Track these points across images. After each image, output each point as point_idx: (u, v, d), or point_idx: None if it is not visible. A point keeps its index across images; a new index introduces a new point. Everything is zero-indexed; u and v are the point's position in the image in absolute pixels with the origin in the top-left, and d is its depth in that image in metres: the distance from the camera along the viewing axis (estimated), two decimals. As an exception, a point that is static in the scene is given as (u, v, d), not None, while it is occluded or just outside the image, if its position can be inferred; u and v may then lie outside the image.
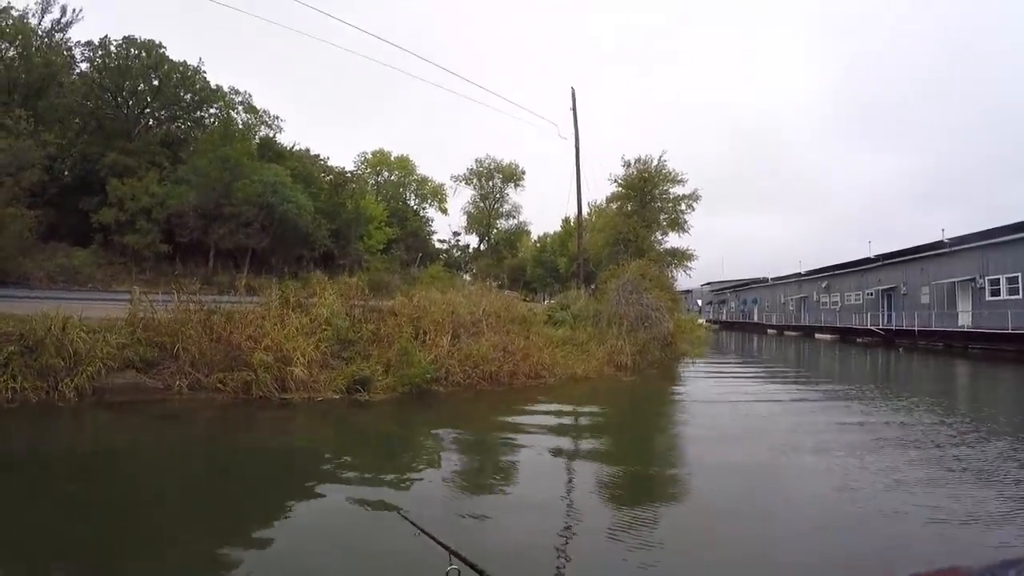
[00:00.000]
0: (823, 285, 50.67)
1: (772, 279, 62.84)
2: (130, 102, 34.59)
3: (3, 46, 30.94)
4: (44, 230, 28.66)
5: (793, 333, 50.55)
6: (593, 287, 24.92)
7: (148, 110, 35.26)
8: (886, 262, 41.28)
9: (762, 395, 15.63)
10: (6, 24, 30.65)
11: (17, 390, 10.19)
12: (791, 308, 56.66)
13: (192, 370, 11.84)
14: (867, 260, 43.91)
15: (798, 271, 56.42)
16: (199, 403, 11.22)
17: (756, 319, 63.35)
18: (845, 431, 10.57)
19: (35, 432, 9.40)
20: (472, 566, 1.70)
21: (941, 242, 34.69)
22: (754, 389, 16.95)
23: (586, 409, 12.96)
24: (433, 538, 1.95)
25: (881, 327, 37.91)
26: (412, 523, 2.28)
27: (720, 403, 13.78)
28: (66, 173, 33.24)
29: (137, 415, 10.51)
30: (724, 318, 73.12)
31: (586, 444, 10.22)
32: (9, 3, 31.03)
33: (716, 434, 10.45)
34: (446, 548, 1.81)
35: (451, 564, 1.71)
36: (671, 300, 23.24)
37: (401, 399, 12.44)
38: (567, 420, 11.91)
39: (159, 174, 30.99)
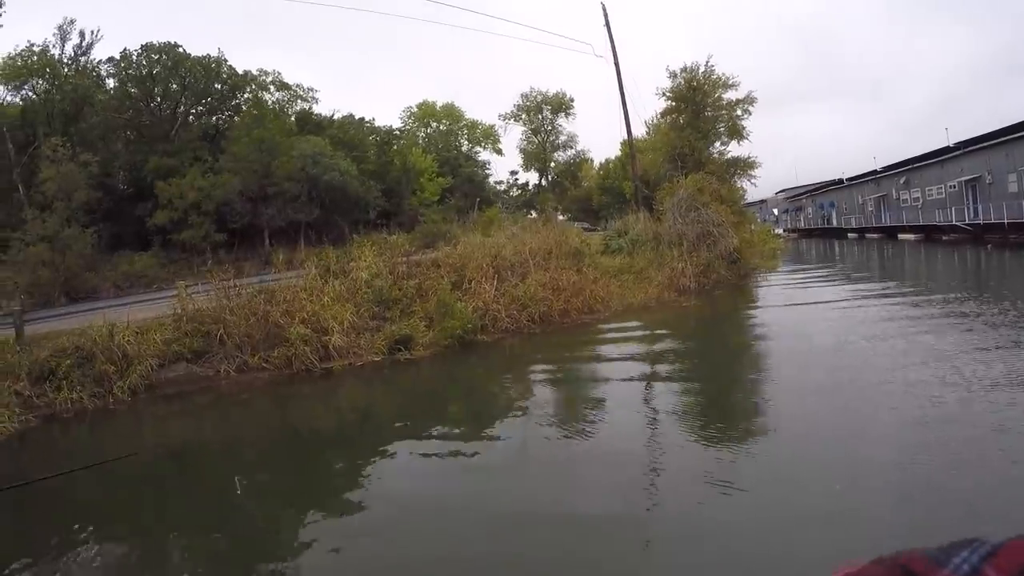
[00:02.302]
0: (901, 181, 46.24)
1: (847, 180, 58.30)
2: (163, 105, 35.00)
3: (35, 82, 32.00)
4: (108, 242, 29.60)
5: (874, 235, 46.93)
6: (654, 209, 23.30)
7: (181, 109, 35.60)
8: (967, 150, 36.97)
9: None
10: (31, 60, 31.59)
11: (74, 400, 10.24)
12: (870, 209, 52.37)
13: (238, 353, 11.71)
14: (946, 149, 39.46)
15: (874, 168, 52.00)
16: (243, 384, 11.09)
17: (835, 223, 59.31)
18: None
19: (92, 434, 9.54)
20: None
21: (1026, 122, 30.47)
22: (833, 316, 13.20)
23: (627, 350, 11.70)
24: None
25: (967, 222, 34.30)
26: None
27: (793, 336, 10.98)
28: (122, 186, 34.23)
29: (182, 403, 10.54)
30: (802, 225, 68.87)
31: (626, 390, 8.99)
32: (29, 41, 31.90)
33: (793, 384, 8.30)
34: None
35: None
36: (735, 213, 21.51)
37: (442, 354, 11.78)
38: (604, 364, 10.86)
39: (202, 168, 31.35)
